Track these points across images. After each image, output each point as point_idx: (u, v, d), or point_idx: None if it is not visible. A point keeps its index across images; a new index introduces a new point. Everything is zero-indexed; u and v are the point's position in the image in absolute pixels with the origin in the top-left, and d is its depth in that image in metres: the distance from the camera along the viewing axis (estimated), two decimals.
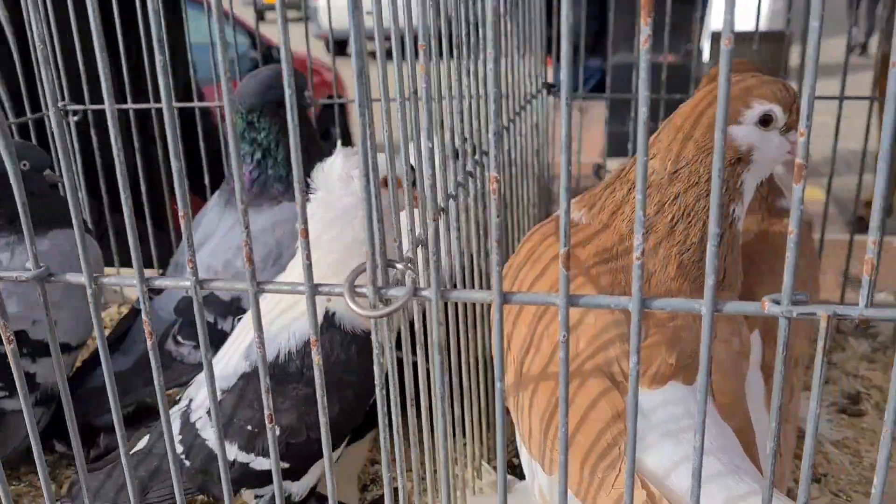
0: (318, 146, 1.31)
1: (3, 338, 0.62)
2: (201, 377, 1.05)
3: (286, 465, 0.96)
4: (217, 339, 1.18)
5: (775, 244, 1.06)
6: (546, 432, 0.80)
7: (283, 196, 1.26)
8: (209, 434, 0.97)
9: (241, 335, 1.00)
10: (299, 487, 0.99)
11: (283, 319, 0.97)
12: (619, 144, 1.83)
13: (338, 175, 0.96)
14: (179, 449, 0.98)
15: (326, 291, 0.59)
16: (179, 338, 1.20)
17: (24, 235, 0.59)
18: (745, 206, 0.87)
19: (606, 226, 0.88)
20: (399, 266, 0.59)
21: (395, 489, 1.08)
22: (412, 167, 0.98)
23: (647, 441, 0.75)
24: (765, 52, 1.63)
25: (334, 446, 1.00)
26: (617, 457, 0.74)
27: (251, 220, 1.22)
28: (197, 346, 1.20)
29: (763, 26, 1.49)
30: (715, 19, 3.88)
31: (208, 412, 0.98)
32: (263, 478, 0.97)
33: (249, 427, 0.95)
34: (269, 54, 3.28)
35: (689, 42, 3.17)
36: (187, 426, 0.99)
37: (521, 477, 0.97)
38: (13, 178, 0.56)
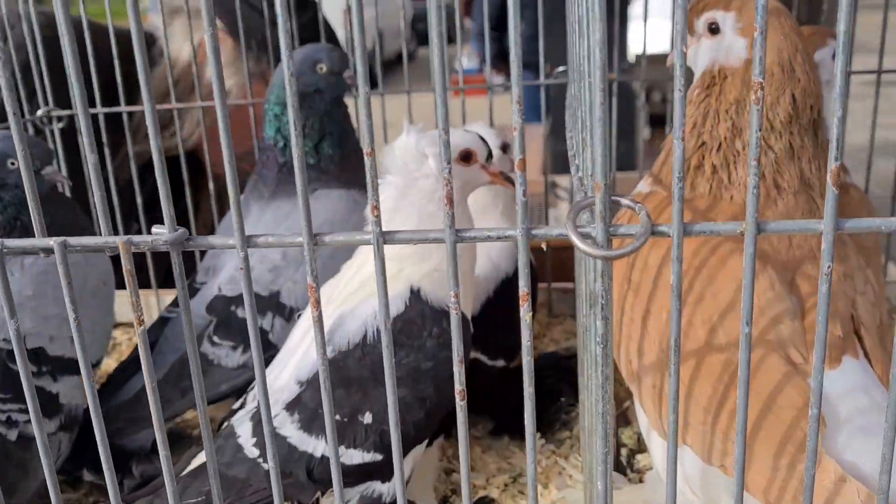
0: (354, 136, 1.23)
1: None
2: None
3: (378, 458, 0.87)
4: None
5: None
6: (714, 419, 0.73)
7: (315, 183, 1.17)
8: (289, 430, 0.87)
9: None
10: (390, 488, 0.89)
11: (361, 297, 0.88)
12: (562, 162, 1.73)
13: (411, 155, 0.90)
14: (255, 452, 0.88)
15: (542, 234, 0.51)
16: (215, 338, 1.09)
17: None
18: None
19: (716, 197, 0.83)
20: (625, 202, 0.51)
21: (483, 498, 0.99)
22: (483, 140, 0.93)
23: (842, 435, 0.69)
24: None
25: (428, 429, 0.91)
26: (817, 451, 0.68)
27: (284, 209, 1.14)
28: (235, 347, 1.09)
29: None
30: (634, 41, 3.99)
31: (286, 406, 0.88)
32: (354, 474, 0.87)
33: (338, 417, 0.85)
34: None
35: (623, 59, 3.21)
36: (261, 426, 0.88)
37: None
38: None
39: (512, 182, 0.95)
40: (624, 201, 0.52)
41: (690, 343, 0.77)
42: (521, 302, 0.54)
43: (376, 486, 0.89)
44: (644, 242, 0.51)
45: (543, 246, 0.67)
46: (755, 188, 0.50)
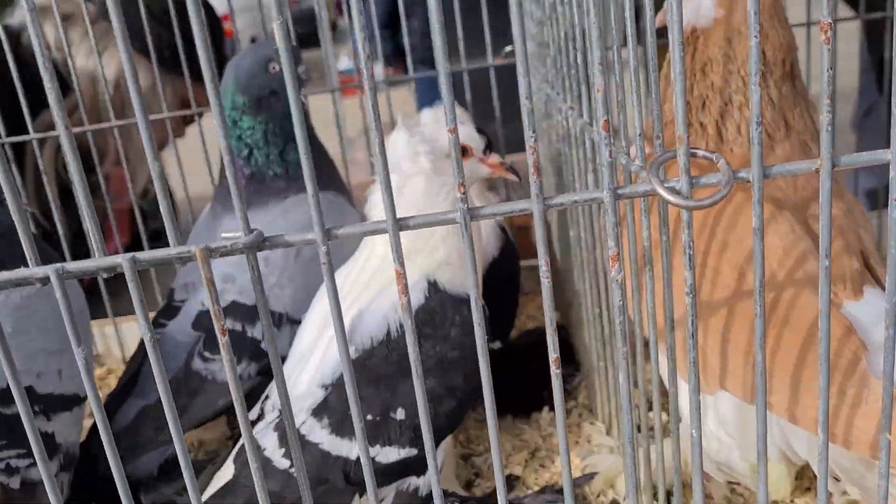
0: (314, 134, 1.20)
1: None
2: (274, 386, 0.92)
3: (414, 453, 0.86)
4: (247, 347, 1.06)
5: None
6: (753, 360, 0.75)
7: (287, 191, 1.14)
8: (320, 436, 0.86)
9: (329, 322, 0.88)
10: (426, 481, 0.88)
11: (374, 291, 0.88)
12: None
13: (403, 152, 0.89)
14: (286, 464, 0.86)
15: (629, 193, 0.52)
16: (207, 354, 1.05)
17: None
18: None
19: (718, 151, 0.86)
20: (702, 153, 0.53)
21: (509, 476, 1.00)
22: (483, 133, 0.94)
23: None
24: None
25: (460, 418, 0.91)
26: (864, 373, 0.71)
27: (261, 221, 1.11)
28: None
29: None
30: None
31: (313, 412, 0.86)
32: (389, 472, 0.87)
33: (370, 416, 0.84)
34: None
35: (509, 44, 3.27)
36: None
37: None
38: None
39: (515, 172, 0.96)
40: (701, 153, 0.54)
41: (720, 291, 0.79)
42: (611, 263, 0.55)
43: (412, 481, 0.88)
44: (730, 190, 0.52)
45: None
46: (829, 125, 0.52)
